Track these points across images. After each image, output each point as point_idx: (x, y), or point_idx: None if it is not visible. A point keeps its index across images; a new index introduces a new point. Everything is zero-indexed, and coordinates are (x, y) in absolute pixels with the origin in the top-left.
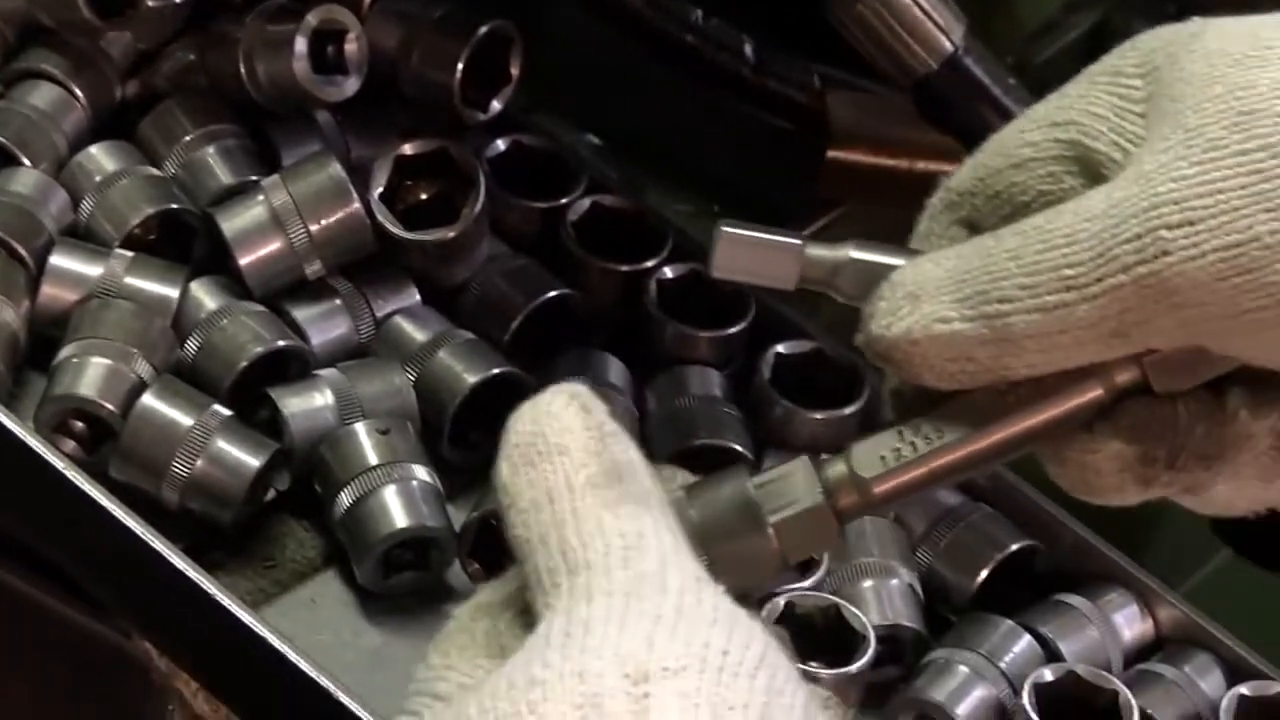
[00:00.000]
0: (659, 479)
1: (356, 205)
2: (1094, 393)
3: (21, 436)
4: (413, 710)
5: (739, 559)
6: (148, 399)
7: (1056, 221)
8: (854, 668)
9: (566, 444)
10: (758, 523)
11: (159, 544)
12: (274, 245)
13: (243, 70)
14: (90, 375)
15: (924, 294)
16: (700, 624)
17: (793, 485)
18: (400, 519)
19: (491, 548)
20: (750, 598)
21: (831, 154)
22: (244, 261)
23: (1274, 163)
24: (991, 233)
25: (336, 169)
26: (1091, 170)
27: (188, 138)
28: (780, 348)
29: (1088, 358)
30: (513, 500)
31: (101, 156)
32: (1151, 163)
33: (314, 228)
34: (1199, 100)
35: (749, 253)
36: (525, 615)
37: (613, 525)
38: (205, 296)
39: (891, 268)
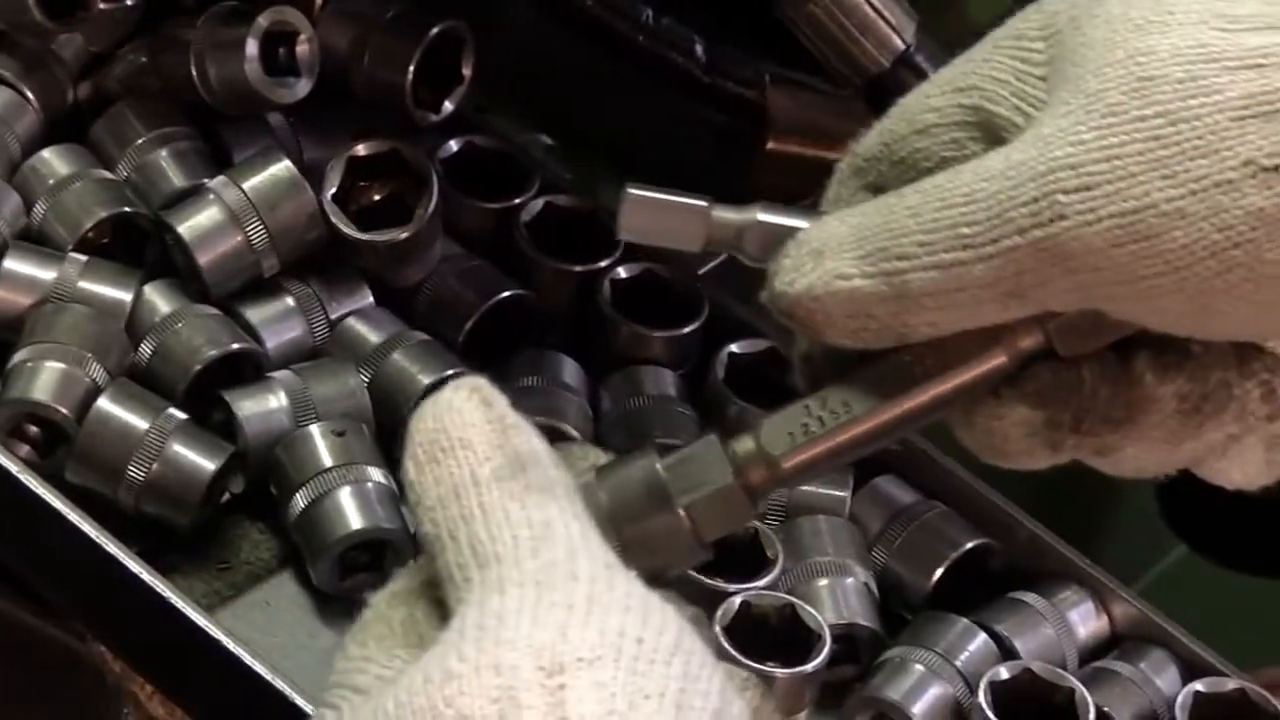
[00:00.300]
0: (569, 461)
1: (310, 196)
2: (998, 359)
3: None
4: (331, 703)
5: (651, 541)
6: (103, 403)
7: (956, 180)
8: (809, 667)
9: (469, 438)
10: (668, 504)
11: (113, 547)
12: (232, 243)
13: (194, 73)
14: (44, 379)
15: (827, 251)
16: (613, 611)
17: (702, 465)
18: (355, 520)
19: None
20: (666, 578)
21: (770, 146)
22: (203, 261)
23: (1171, 130)
24: (895, 191)
25: (286, 163)
26: (994, 135)
27: (140, 140)
28: (734, 347)
29: (986, 318)
30: (419, 498)
31: (54, 160)
32: (1051, 126)
33: (270, 222)
34: (1099, 65)
35: (655, 215)
36: (442, 604)
37: (519, 516)
38: (159, 300)
39: (797, 230)
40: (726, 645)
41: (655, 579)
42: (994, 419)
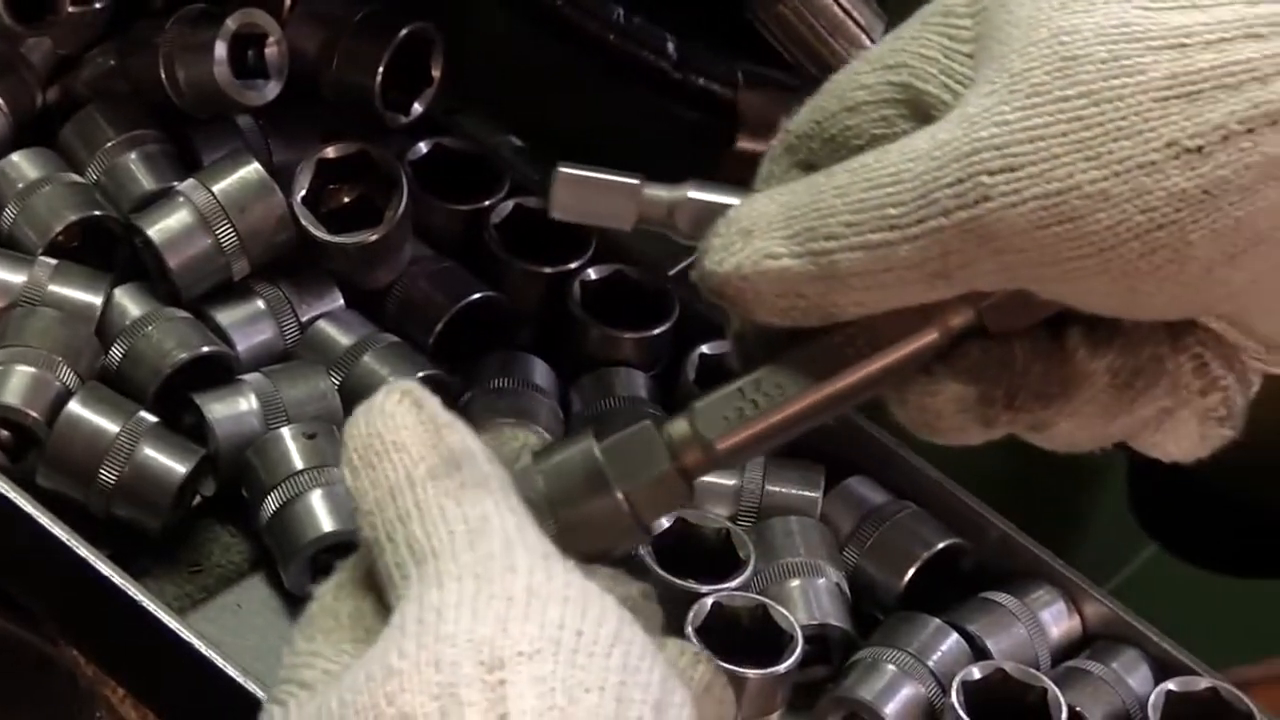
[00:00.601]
0: (500, 441)
1: (279, 198)
2: (929, 337)
3: None
4: (279, 699)
5: (590, 525)
6: (73, 407)
7: (883, 160)
8: (781, 667)
9: (403, 440)
10: (606, 489)
11: (84, 550)
12: (202, 246)
13: (163, 75)
14: (14, 383)
15: (756, 229)
16: (552, 603)
17: (638, 449)
18: (327, 523)
19: None
20: (610, 559)
21: (741, 144)
22: (173, 264)
23: (1095, 110)
24: (825, 170)
25: (255, 165)
26: (923, 113)
27: (109, 143)
28: (705, 348)
29: (914, 298)
30: (358, 502)
31: (23, 163)
32: (976, 106)
33: (240, 225)
34: (1024, 44)
35: (586, 193)
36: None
37: (455, 513)
38: (129, 303)
39: (729, 207)
40: (698, 646)
41: (597, 560)
42: (927, 395)
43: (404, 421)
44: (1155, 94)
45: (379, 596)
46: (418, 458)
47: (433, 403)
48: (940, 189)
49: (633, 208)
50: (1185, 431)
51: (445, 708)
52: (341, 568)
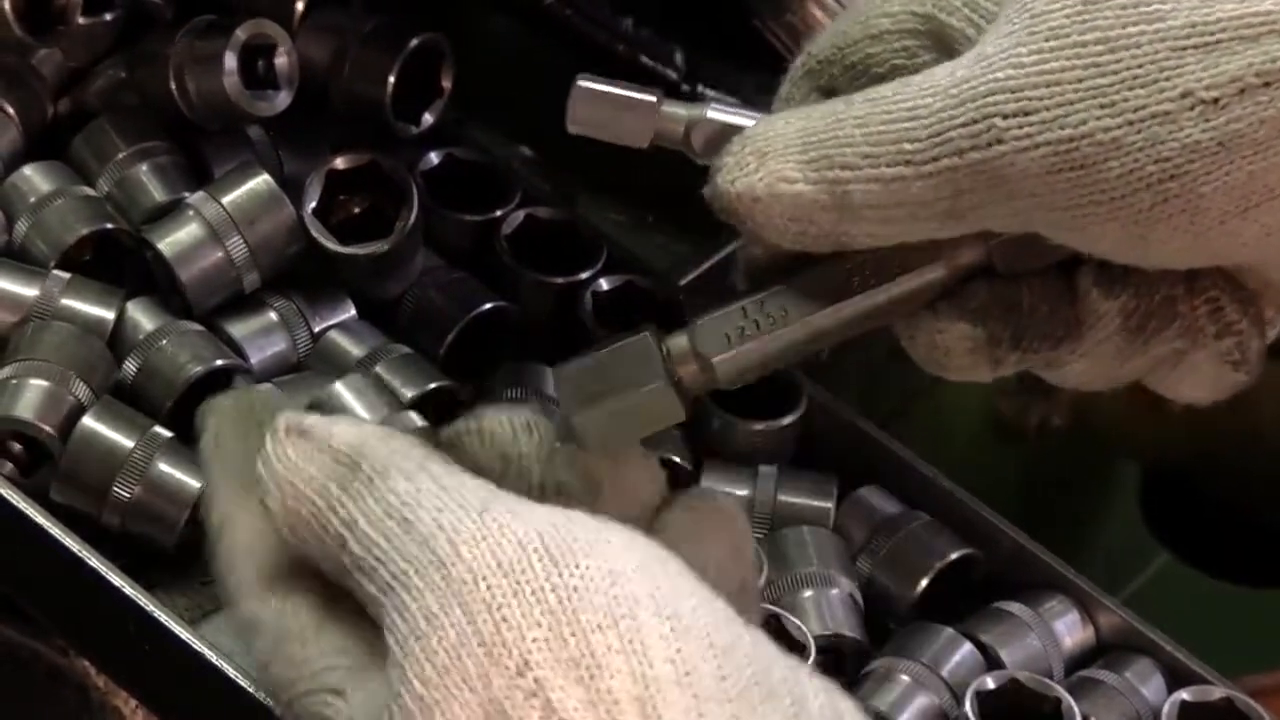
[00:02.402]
0: (497, 434)
1: (289, 209)
2: (936, 273)
3: None
4: (314, 710)
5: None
6: (88, 421)
7: (902, 93)
8: None
9: (308, 473)
10: (598, 398)
11: (96, 561)
12: (213, 258)
13: (174, 87)
14: (28, 397)
15: (771, 151)
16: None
17: (633, 359)
18: None
19: None
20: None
21: None
22: (185, 277)
23: (1111, 57)
24: (844, 97)
25: (264, 177)
26: (946, 45)
27: (120, 155)
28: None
29: (925, 233)
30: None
31: (35, 177)
32: (994, 46)
33: (250, 237)
34: None
35: (603, 108)
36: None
37: (376, 511)
38: (142, 317)
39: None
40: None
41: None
42: (935, 333)
43: (300, 459)
44: (1173, 43)
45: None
46: (324, 479)
47: (310, 420)
48: (955, 128)
49: (649, 125)
50: (1199, 375)
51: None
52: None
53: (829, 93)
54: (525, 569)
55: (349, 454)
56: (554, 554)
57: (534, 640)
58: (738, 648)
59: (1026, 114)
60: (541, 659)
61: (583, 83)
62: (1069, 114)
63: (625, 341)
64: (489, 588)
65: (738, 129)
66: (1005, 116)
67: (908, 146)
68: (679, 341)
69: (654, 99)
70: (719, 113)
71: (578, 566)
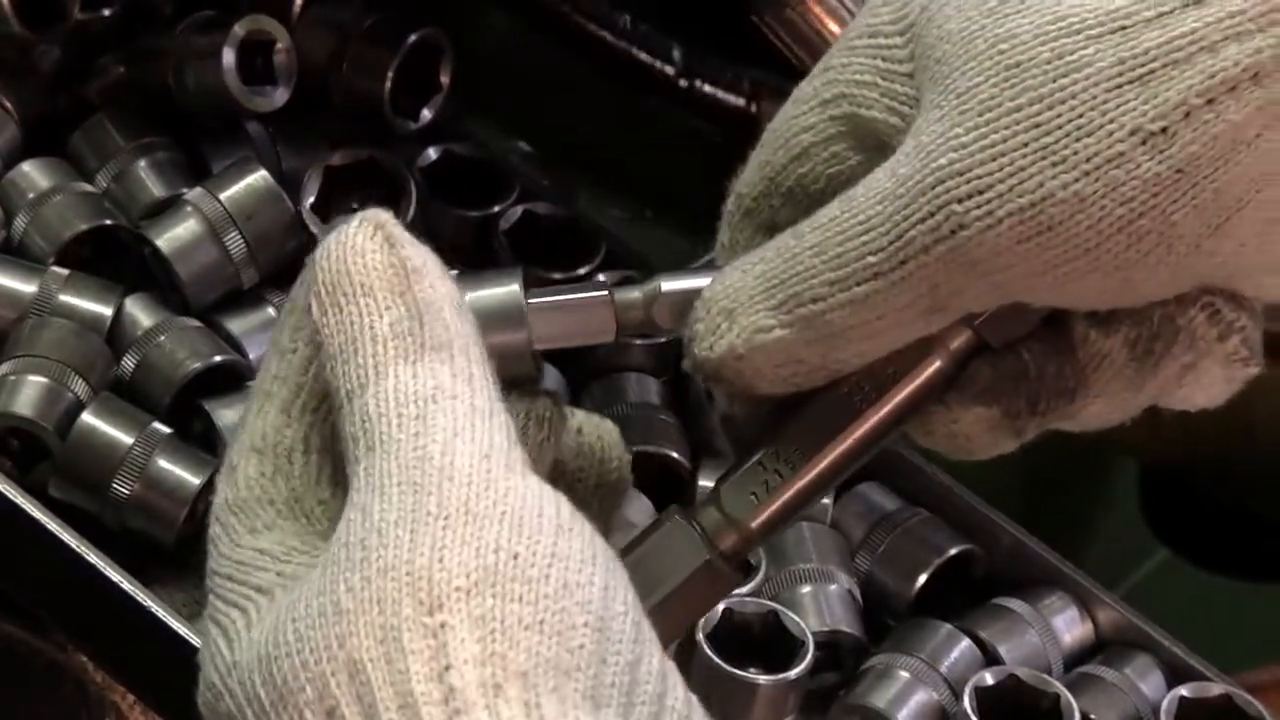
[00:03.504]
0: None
1: (288, 205)
2: (935, 365)
3: None
4: (235, 603)
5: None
6: (87, 418)
7: (850, 208)
8: (793, 674)
9: (371, 284)
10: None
11: (94, 558)
12: (211, 255)
13: (172, 82)
14: (27, 394)
15: (738, 306)
16: (489, 523)
17: (672, 545)
18: None
19: None
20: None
21: None
22: (183, 274)
23: (1050, 114)
24: (792, 230)
25: (262, 173)
26: (873, 141)
27: (119, 151)
28: None
29: (912, 335)
30: (324, 342)
31: (34, 172)
32: (929, 134)
33: (249, 233)
34: (964, 59)
35: (561, 320)
36: (320, 459)
37: (408, 387)
38: (140, 313)
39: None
40: (709, 653)
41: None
42: (951, 423)
43: (374, 262)
44: (1107, 84)
45: (313, 472)
46: (383, 307)
47: (405, 240)
48: (913, 226)
49: (610, 318)
50: (1210, 379)
51: (390, 653)
52: (254, 415)
53: (772, 228)
54: (483, 527)
55: (418, 304)
56: (519, 525)
57: (457, 588)
58: (642, 668)
59: (980, 192)
60: (456, 607)
61: (532, 300)
62: (1023, 180)
63: (658, 531)
64: (445, 528)
65: (696, 292)
66: (960, 200)
67: (872, 260)
68: (709, 514)
69: (605, 293)
70: (673, 282)
71: (536, 545)
